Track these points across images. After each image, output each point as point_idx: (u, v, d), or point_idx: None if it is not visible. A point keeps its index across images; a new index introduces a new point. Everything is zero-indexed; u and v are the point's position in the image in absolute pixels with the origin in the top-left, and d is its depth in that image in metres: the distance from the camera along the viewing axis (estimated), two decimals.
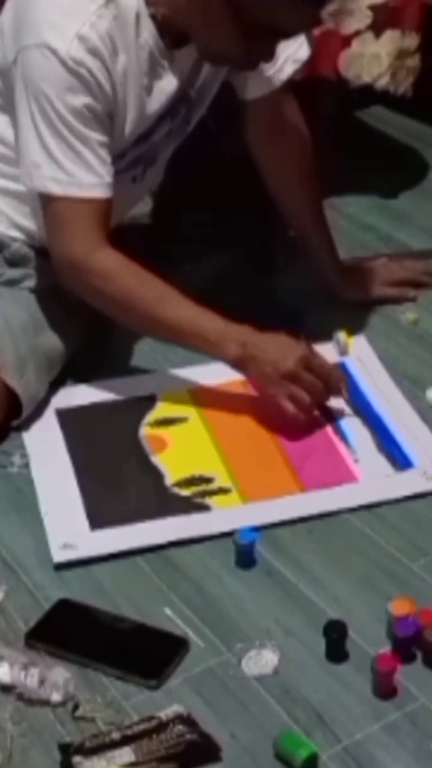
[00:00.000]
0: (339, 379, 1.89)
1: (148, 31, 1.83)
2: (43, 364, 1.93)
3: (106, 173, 1.83)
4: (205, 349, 1.88)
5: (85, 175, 1.81)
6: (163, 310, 1.86)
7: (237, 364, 1.87)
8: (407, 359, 2.06)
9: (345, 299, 2.19)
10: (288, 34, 1.85)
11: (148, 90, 1.88)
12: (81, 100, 1.78)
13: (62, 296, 2.00)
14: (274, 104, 2.07)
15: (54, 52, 1.76)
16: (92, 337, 2.07)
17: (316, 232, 2.18)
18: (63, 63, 1.76)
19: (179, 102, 1.94)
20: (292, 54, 2.03)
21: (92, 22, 1.77)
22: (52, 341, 1.98)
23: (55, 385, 1.98)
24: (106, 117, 1.83)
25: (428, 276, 2.26)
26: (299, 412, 1.84)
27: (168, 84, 1.90)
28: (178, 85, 1.91)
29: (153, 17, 1.83)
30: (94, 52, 1.77)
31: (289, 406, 1.83)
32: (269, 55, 1.85)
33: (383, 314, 2.18)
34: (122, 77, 1.82)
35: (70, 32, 1.76)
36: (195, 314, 1.86)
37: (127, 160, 1.94)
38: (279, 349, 1.85)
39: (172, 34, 1.85)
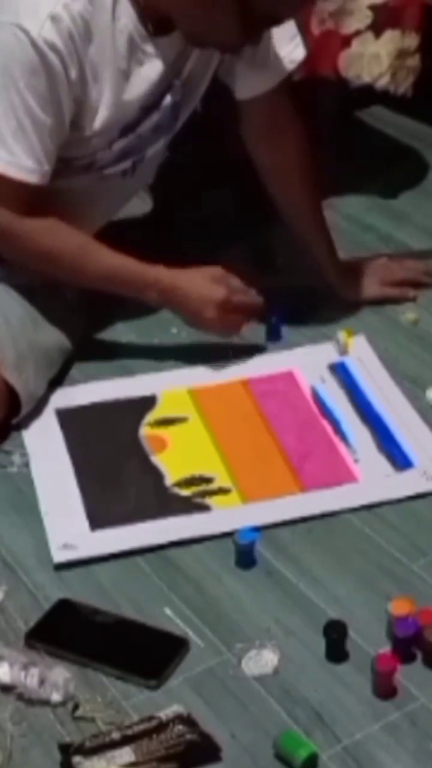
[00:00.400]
0: (260, 309, 2.01)
1: (127, 16, 1.84)
2: (42, 362, 1.94)
3: (46, 161, 1.86)
4: (131, 296, 1.97)
5: (26, 159, 1.84)
6: (86, 262, 1.94)
7: (161, 307, 2.01)
8: (407, 359, 2.06)
9: (345, 299, 2.19)
10: (283, 19, 1.88)
11: (126, 75, 1.88)
12: (45, 83, 1.80)
13: (60, 292, 2.00)
14: (270, 104, 2.07)
15: (26, 32, 1.77)
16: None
17: (315, 232, 2.18)
18: (33, 44, 1.77)
19: (165, 92, 1.95)
20: (287, 54, 2.04)
21: (65, 3, 1.78)
22: (50, 338, 1.98)
23: (54, 385, 1.98)
24: (71, 101, 1.85)
25: (428, 276, 2.26)
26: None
27: (151, 71, 1.90)
28: (162, 73, 1.91)
29: (134, 2, 1.83)
30: (65, 34, 1.78)
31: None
32: (259, 40, 1.88)
33: (383, 314, 2.18)
34: (95, 61, 1.83)
35: (43, 13, 1.77)
36: (116, 263, 1.94)
37: (114, 152, 1.95)
38: (198, 296, 1.95)
39: (155, 20, 1.86)
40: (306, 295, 2.22)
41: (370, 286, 2.20)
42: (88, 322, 2.11)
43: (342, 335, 2.06)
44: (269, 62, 2.01)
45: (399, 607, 1.50)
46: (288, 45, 2.02)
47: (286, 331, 2.13)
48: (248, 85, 2.06)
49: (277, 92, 2.07)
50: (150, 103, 1.94)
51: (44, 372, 1.95)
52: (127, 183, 2.05)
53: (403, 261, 2.29)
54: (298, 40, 2.03)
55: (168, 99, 1.97)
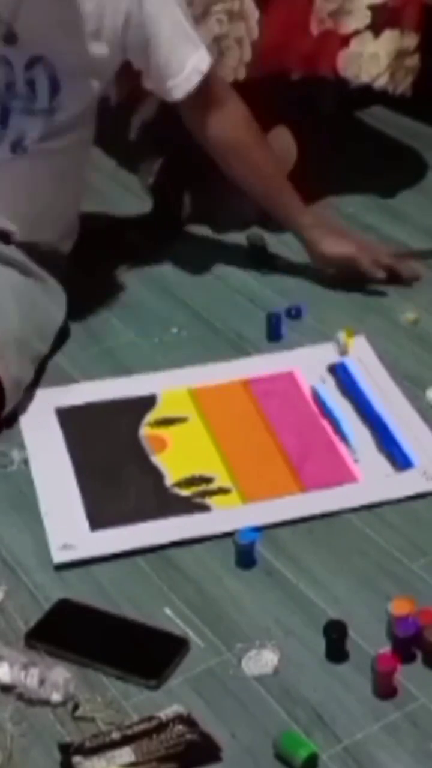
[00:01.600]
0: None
1: None
2: (23, 348, 1.94)
3: None
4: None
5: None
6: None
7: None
8: (407, 359, 2.06)
9: (320, 253, 2.21)
10: None
11: None
12: None
13: (40, 277, 2.01)
14: (198, 100, 2.11)
15: None
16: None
17: (272, 196, 2.22)
18: None
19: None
20: (196, 65, 2.09)
21: None
22: (30, 325, 1.98)
23: (54, 384, 1.98)
24: None
25: (409, 272, 2.26)
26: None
27: None
28: None
29: None
30: None
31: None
32: None
33: (383, 314, 2.18)
34: None
35: None
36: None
37: None
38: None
39: None
40: (306, 295, 2.23)
41: (345, 244, 2.23)
42: (79, 314, 2.11)
43: (342, 335, 2.06)
44: (179, 74, 2.08)
45: (399, 607, 1.50)
46: (194, 55, 2.08)
47: (286, 330, 2.13)
48: (169, 92, 2.11)
49: (203, 83, 2.11)
50: None
51: (27, 358, 1.95)
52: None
53: (381, 245, 2.33)
54: (204, 50, 2.10)
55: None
